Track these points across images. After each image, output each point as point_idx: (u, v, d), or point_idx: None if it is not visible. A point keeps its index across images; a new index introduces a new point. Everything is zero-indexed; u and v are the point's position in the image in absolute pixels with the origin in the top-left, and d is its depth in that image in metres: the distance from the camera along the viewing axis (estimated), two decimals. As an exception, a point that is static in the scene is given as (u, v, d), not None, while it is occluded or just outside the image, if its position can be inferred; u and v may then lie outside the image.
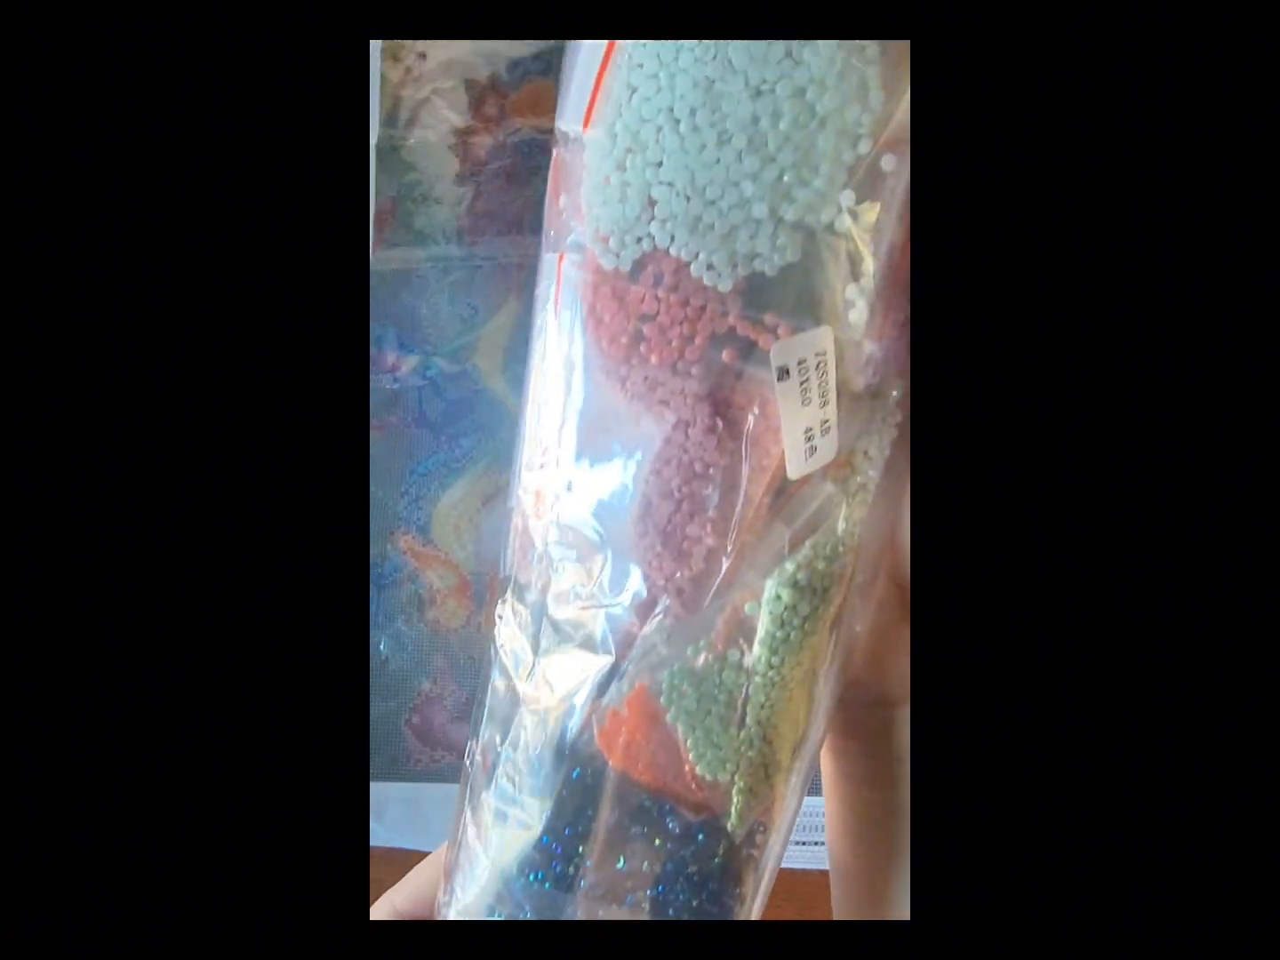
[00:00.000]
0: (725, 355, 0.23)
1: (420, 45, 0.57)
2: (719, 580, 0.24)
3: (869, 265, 0.23)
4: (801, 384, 0.23)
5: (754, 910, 0.28)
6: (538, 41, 0.56)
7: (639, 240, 0.23)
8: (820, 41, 0.21)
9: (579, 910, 0.26)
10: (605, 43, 0.23)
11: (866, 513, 0.25)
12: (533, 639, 0.26)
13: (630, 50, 0.23)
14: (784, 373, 0.23)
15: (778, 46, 0.21)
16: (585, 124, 0.23)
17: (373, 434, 0.57)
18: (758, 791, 0.26)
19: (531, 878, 0.27)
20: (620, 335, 0.24)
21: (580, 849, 0.26)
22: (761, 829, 0.27)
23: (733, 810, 0.26)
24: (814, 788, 0.30)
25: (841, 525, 0.25)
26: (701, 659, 0.25)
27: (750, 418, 0.24)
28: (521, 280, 0.56)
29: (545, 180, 0.60)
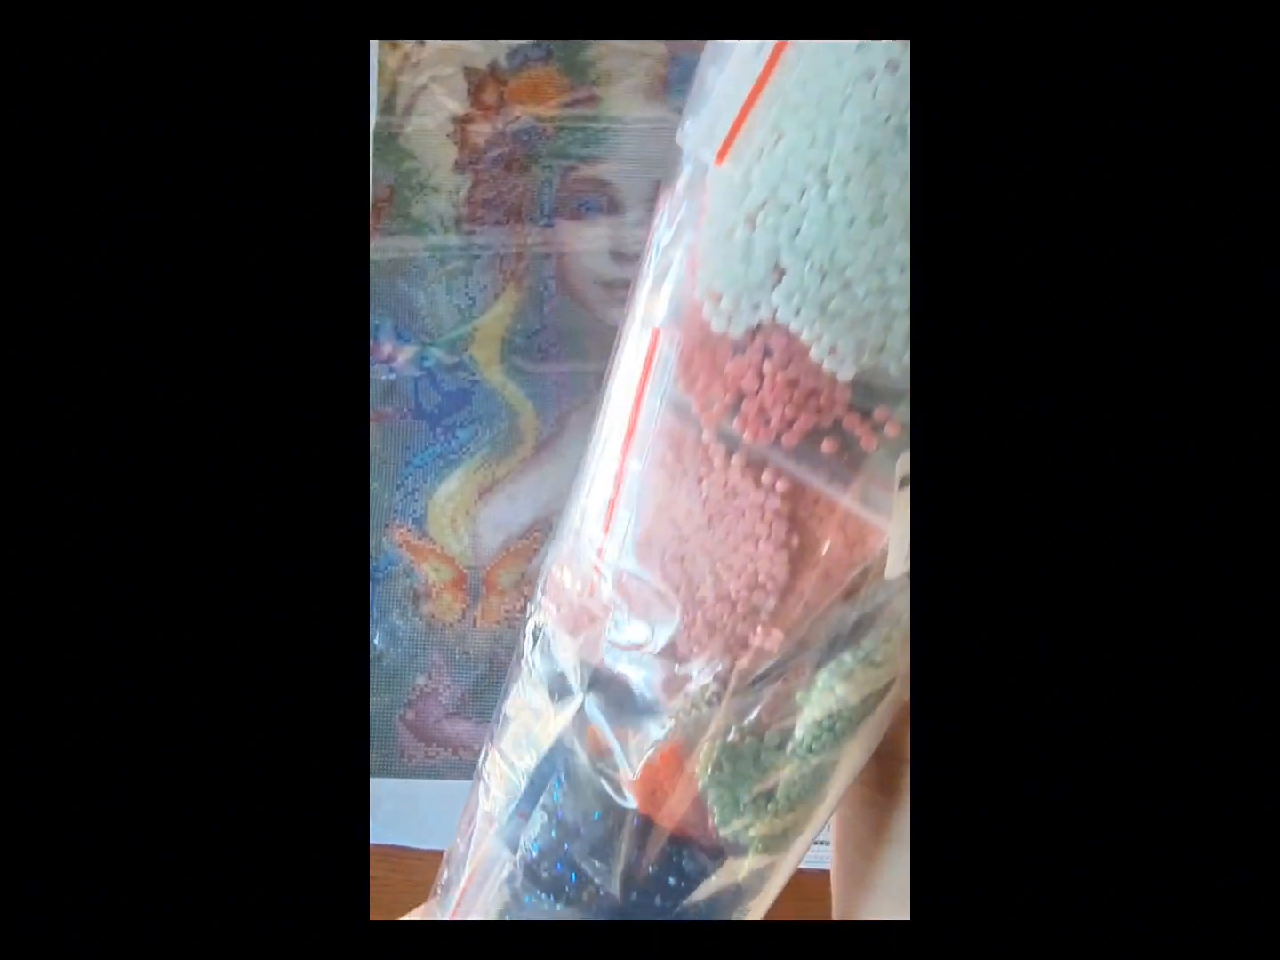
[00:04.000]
0: (825, 446, 0.21)
1: (419, 32, 0.57)
2: (768, 670, 0.23)
3: None
4: None
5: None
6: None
7: (756, 307, 0.20)
8: None
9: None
10: (766, 54, 0.20)
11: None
12: (576, 673, 0.26)
13: (789, 86, 0.19)
14: (904, 481, 0.21)
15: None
16: (719, 156, 0.20)
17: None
18: (773, 848, 0.26)
19: (544, 896, 0.27)
20: (713, 403, 0.21)
21: (594, 878, 0.27)
22: (770, 870, 0.27)
23: (746, 863, 0.26)
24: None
25: (902, 622, 0.23)
26: (743, 740, 0.24)
27: (826, 540, 0.22)
28: (520, 270, 0.55)
29: (545, 168, 0.59)
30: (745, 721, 0.24)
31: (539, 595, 0.27)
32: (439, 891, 0.31)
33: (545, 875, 0.27)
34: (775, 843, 0.26)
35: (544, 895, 0.27)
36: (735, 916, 0.28)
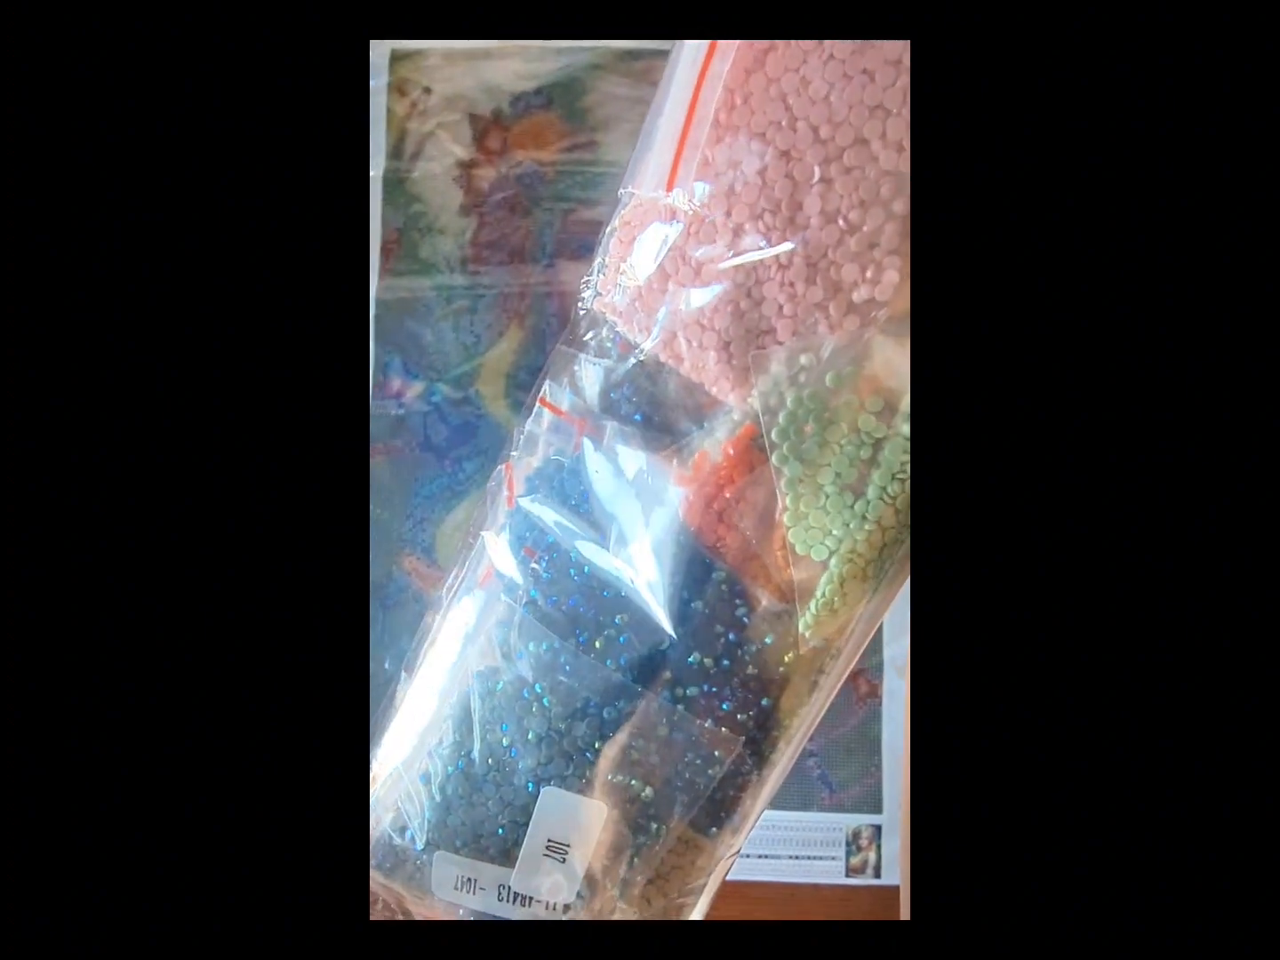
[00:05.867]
0: None
1: (425, 80, 0.59)
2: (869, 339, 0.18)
3: None
4: None
5: (786, 754, 0.24)
6: (539, 77, 0.57)
7: None
8: None
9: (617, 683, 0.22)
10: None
11: None
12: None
13: None
14: None
15: None
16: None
17: (378, 458, 0.58)
18: (848, 592, 0.21)
19: (543, 647, 0.23)
20: None
21: (615, 619, 0.22)
22: (833, 654, 0.22)
23: (813, 606, 0.21)
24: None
25: None
26: (839, 397, 0.19)
27: None
28: (523, 308, 0.57)
29: (546, 210, 0.61)
30: (845, 370, 0.19)
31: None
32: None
33: (554, 611, 0.22)
34: (850, 587, 0.20)
35: (544, 645, 0.22)
36: (775, 733, 0.23)
